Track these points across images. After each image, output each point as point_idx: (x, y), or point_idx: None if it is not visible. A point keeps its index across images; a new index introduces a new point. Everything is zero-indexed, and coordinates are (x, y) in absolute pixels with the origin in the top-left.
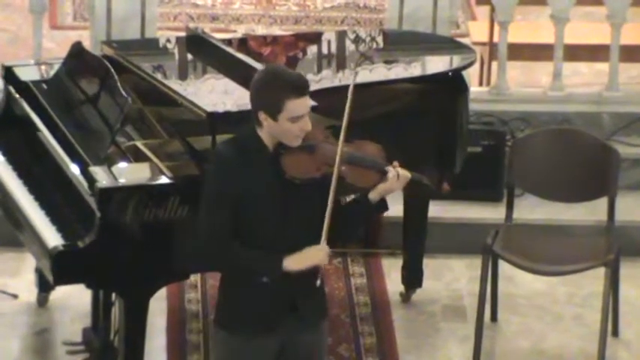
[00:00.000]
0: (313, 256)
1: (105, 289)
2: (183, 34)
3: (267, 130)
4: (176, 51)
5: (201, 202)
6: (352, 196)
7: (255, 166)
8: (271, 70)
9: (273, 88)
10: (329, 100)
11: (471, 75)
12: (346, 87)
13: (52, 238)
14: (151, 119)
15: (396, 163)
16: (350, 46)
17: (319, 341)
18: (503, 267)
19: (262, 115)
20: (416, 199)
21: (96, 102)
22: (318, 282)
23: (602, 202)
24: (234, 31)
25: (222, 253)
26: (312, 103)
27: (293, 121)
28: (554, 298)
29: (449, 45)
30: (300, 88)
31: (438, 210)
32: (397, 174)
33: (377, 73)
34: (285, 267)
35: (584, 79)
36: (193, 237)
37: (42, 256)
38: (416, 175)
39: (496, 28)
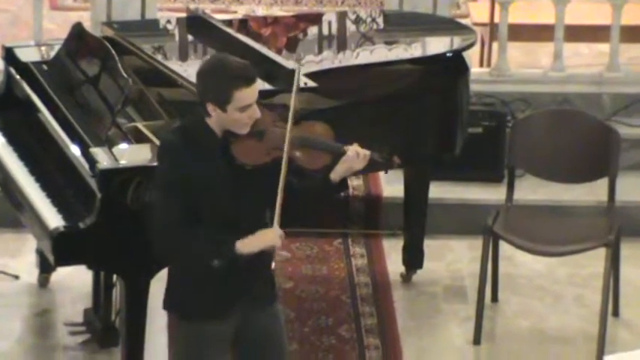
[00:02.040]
0: (265, 238)
1: (106, 270)
2: (183, 15)
3: (216, 120)
4: (176, 32)
5: (153, 192)
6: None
7: (204, 153)
8: (218, 62)
9: (221, 79)
10: (329, 82)
11: (472, 56)
12: (346, 68)
13: (53, 219)
14: (151, 100)
15: (356, 144)
16: (350, 26)
17: (274, 324)
18: (504, 248)
19: (210, 107)
20: (417, 179)
21: (96, 83)
22: (273, 265)
23: (603, 183)
24: (235, 12)
25: (174, 240)
26: (312, 84)
27: (242, 111)
28: (555, 278)
29: (449, 26)
30: (247, 78)
31: (438, 191)
32: (357, 153)
33: (377, 54)
34: (237, 250)
35: (584, 60)
36: (150, 227)
37: (43, 237)
38: (375, 153)
39: (497, 8)
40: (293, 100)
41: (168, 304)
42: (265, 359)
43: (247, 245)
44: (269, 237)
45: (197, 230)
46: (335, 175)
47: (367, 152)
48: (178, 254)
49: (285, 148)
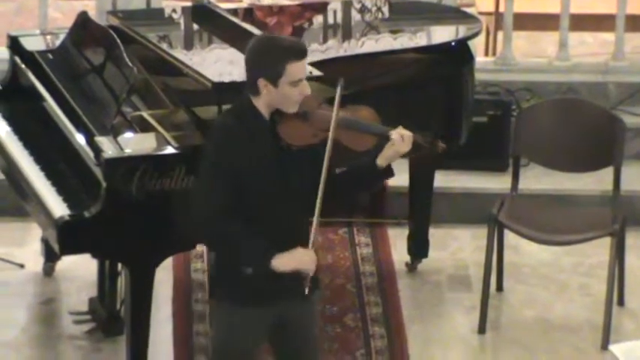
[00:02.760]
0: (301, 261)
1: (111, 259)
2: (188, 3)
3: (266, 98)
4: (182, 21)
5: (200, 174)
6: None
7: (253, 135)
8: (268, 37)
9: (273, 53)
10: (335, 70)
11: (477, 45)
12: (352, 57)
13: (58, 208)
14: (156, 89)
15: (400, 127)
16: (356, 15)
17: (311, 314)
18: (509, 237)
19: (262, 82)
20: (421, 168)
21: (102, 72)
22: (307, 290)
23: (608, 172)
24: (240, 1)
25: (213, 225)
26: (317, 73)
27: (293, 85)
28: (560, 267)
29: (454, 15)
30: (299, 51)
31: (443, 180)
32: (401, 135)
33: (382, 43)
34: (273, 264)
35: (589, 49)
36: (192, 208)
37: (48, 226)
38: (417, 135)
39: None
40: (340, 82)
41: (214, 291)
42: (299, 351)
43: (283, 263)
44: (305, 261)
45: (237, 227)
46: (382, 160)
47: (410, 134)
48: (214, 243)
49: (332, 129)
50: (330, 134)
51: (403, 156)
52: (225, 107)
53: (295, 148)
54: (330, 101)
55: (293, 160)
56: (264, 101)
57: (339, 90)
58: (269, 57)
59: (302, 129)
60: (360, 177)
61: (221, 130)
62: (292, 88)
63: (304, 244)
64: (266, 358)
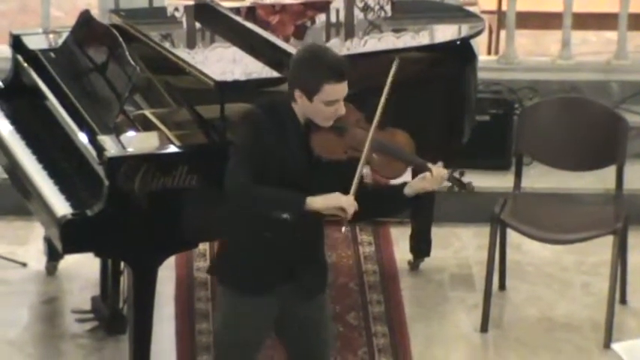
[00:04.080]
0: (337, 200)
1: (113, 257)
2: (191, 2)
3: (301, 107)
4: (184, 19)
5: (231, 157)
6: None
7: (285, 133)
8: (314, 50)
9: (313, 69)
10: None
11: (480, 44)
12: (355, 56)
13: (61, 206)
14: (159, 88)
15: (440, 163)
16: (358, 14)
17: (318, 315)
18: (511, 235)
19: (297, 93)
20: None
21: (104, 71)
22: (344, 229)
23: (611, 171)
24: (243, 0)
25: (247, 190)
26: None
27: (327, 105)
28: (563, 266)
29: (457, 13)
30: (340, 73)
31: None
32: (438, 174)
33: (385, 41)
34: (307, 204)
35: (592, 48)
36: (227, 183)
37: (51, 225)
38: (452, 175)
39: None
40: (382, 103)
41: (219, 273)
42: (306, 347)
43: (319, 201)
44: (341, 199)
45: (266, 186)
46: (410, 189)
47: (445, 173)
48: (250, 207)
49: (365, 150)
50: (364, 155)
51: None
52: (228, 106)
53: (324, 161)
54: (370, 119)
55: (320, 171)
56: (300, 108)
57: (394, 68)
58: (308, 71)
59: (334, 143)
60: (385, 201)
61: (249, 116)
62: (326, 107)
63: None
64: (271, 355)
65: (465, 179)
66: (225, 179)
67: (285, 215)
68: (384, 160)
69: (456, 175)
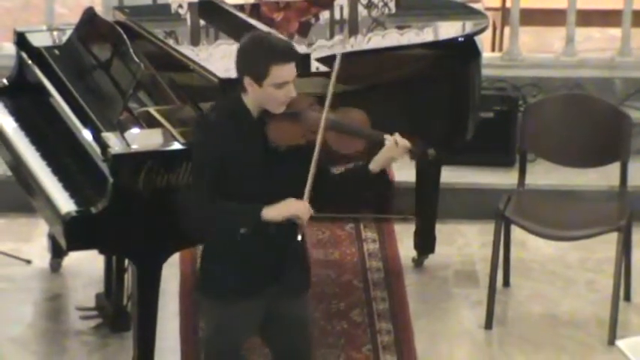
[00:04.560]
0: (291, 206)
1: (117, 254)
2: None
3: (252, 97)
4: (188, 17)
5: (192, 167)
6: (352, 165)
7: (240, 132)
8: (258, 36)
9: (260, 52)
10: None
11: (484, 40)
12: (358, 53)
13: (65, 203)
14: (163, 85)
15: (397, 134)
16: (362, 11)
17: (302, 314)
18: (516, 232)
19: (247, 80)
20: (428, 164)
21: (108, 68)
22: (299, 237)
23: (615, 168)
24: None
25: (202, 208)
26: (324, 69)
27: (278, 87)
28: (567, 263)
29: (461, 10)
30: (286, 53)
31: (450, 175)
32: (396, 142)
33: (389, 38)
34: (263, 215)
35: (596, 45)
36: (182, 200)
37: (55, 222)
38: (411, 143)
39: None
40: (331, 84)
41: (200, 288)
42: (291, 348)
43: (273, 211)
44: (295, 206)
45: (225, 202)
46: (374, 165)
47: (405, 141)
48: (207, 225)
49: (320, 130)
50: (319, 135)
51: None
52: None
53: (283, 149)
54: (322, 102)
55: (281, 160)
56: (251, 99)
57: (337, 63)
58: (255, 56)
59: (290, 129)
60: (354, 180)
61: (203, 124)
62: (277, 90)
63: (292, 239)
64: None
65: (424, 147)
66: (182, 193)
67: (242, 230)
68: (341, 138)
69: (417, 145)
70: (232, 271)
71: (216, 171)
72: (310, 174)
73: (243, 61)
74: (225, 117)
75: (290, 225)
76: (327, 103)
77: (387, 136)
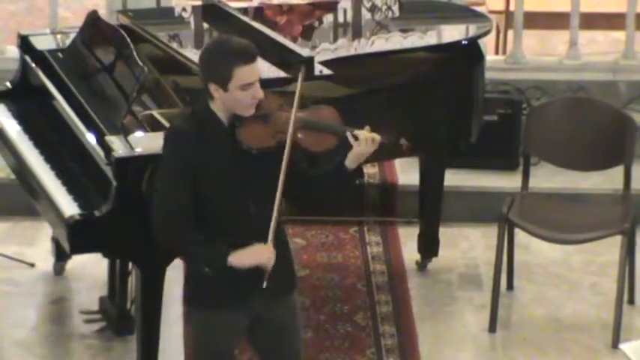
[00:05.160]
0: (258, 255)
1: (121, 258)
2: (199, 2)
3: (220, 102)
4: (192, 20)
5: (157, 179)
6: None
7: (211, 140)
8: (217, 40)
9: (221, 57)
10: (345, 70)
11: (487, 44)
12: (362, 56)
13: (69, 207)
14: (167, 88)
15: (367, 128)
16: (366, 14)
17: (290, 314)
18: (519, 235)
19: (213, 86)
20: (432, 167)
21: (112, 71)
22: (265, 284)
23: (618, 171)
24: (250, 0)
25: (172, 230)
26: (327, 72)
27: (243, 89)
28: (570, 266)
29: (465, 13)
30: (247, 54)
31: (454, 178)
32: (367, 137)
33: (393, 42)
34: (229, 262)
35: (600, 48)
36: (152, 212)
37: (58, 225)
38: (382, 136)
39: None
40: (299, 83)
41: (186, 297)
42: (279, 351)
43: (239, 259)
44: (261, 255)
45: (194, 230)
46: (349, 162)
47: (376, 135)
48: (173, 247)
49: (290, 129)
50: (289, 135)
51: (374, 159)
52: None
53: (256, 152)
54: (291, 102)
55: (255, 162)
56: (219, 105)
57: (300, 76)
58: (217, 61)
59: (261, 131)
60: (330, 179)
61: (173, 135)
62: (243, 92)
63: (280, 248)
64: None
65: (396, 137)
66: (152, 204)
67: (206, 270)
68: (312, 136)
69: (388, 136)
70: (215, 282)
71: (189, 183)
72: (275, 209)
73: (206, 67)
74: (194, 127)
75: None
76: (296, 101)
77: (358, 132)
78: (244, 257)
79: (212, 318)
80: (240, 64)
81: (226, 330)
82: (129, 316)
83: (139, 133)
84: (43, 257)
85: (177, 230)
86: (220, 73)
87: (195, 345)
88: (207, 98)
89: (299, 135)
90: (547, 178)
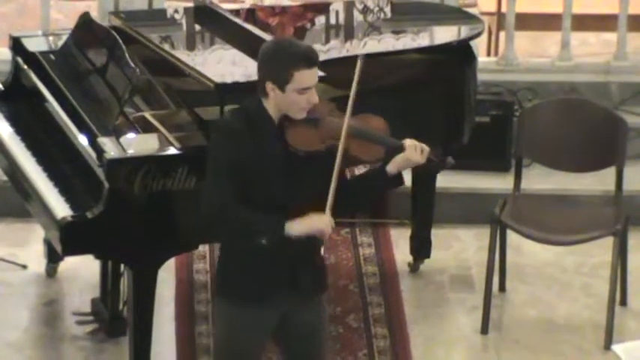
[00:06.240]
0: (315, 223)
1: (113, 259)
2: (191, 4)
3: (274, 102)
4: (184, 22)
5: (206, 171)
6: (367, 167)
7: (260, 137)
8: (281, 41)
9: (283, 58)
10: (337, 71)
11: (479, 45)
12: (354, 57)
13: (61, 208)
14: (159, 90)
15: (412, 139)
16: (358, 16)
17: (319, 316)
18: (511, 237)
19: (270, 86)
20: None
21: (104, 73)
22: (322, 251)
23: (610, 172)
24: (242, 2)
25: (224, 214)
26: (321, 73)
27: (300, 93)
28: (563, 267)
29: (457, 15)
30: (309, 59)
31: (446, 180)
32: (415, 146)
33: (385, 43)
34: (286, 230)
35: (592, 49)
36: (200, 205)
37: (51, 227)
38: (430, 149)
39: None
40: (353, 91)
41: (217, 288)
42: (306, 352)
43: (296, 227)
44: (319, 222)
45: (247, 208)
46: (392, 167)
47: (425, 147)
48: (228, 231)
49: (342, 138)
50: (341, 142)
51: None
52: (227, 108)
53: (302, 154)
54: (342, 108)
55: (301, 165)
56: (272, 104)
57: (359, 64)
58: (278, 62)
59: (310, 135)
60: (370, 183)
61: (223, 127)
62: (299, 96)
63: (309, 244)
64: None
65: (441, 156)
66: (201, 199)
67: (263, 241)
68: (362, 145)
69: (436, 152)
70: (247, 276)
71: (235, 175)
72: (332, 184)
73: (266, 66)
74: (244, 122)
75: (310, 237)
76: (349, 109)
77: (406, 140)
78: (302, 224)
79: (241, 313)
80: (302, 68)
81: (253, 327)
82: (121, 317)
83: (131, 135)
84: (36, 259)
85: (231, 216)
86: (280, 73)
87: (218, 340)
88: (260, 95)
89: (349, 143)
90: (539, 179)
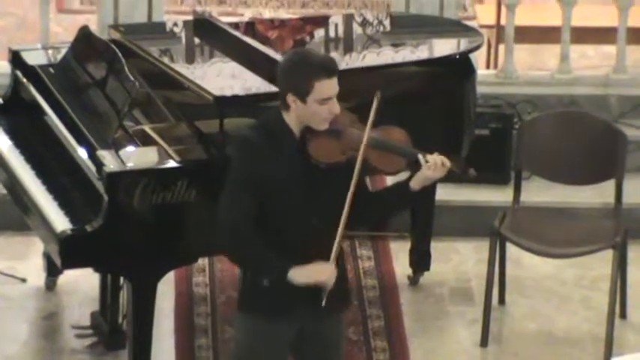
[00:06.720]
0: (319, 274)
1: (113, 272)
2: (190, 17)
3: (295, 114)
4: (183, 35)
5: (225, 185)
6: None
7: (281, 151)
8: (300, 52)
9: (303, 68)
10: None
11: (478, 58)
12: (353, 70)
13: (60, 222)
14: (158, 103)
15: (436, 153)
16: (357, 29)
17: (337, 330)
18: (511, 249)
19: (291, 98)
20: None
21: (103, 86)
22: (324, 302)
23: (610, 185)
24: (242, 15)
25: (236, 234)
26: None
27: (321, 103)
28: (562, 280)
29: (456, 28)
30: (329, 68)
31: (445, 193)
32: (437, 161)
33: (384, 56)
34: (289, 277)
35: (591, 62)
36: (217, 218)
37: (50, 240)
38: (452, 162)
39: (503, 10)
40: (375, 103)
41: (239, 301)
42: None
43: (300, 276)
44: (322, 274)
45: (257, 239)
46: (415, 183)
47: (447, 161)
48: (235, 255)
49: (361, 150)
50: (360, 153)
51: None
52: (227, 121)
53: (324, 166)
54: (363, 120)
55: (322, 177)
56: (293, 116)
57: (375, 103)
58: (298, 73)
59: (332, 146)
60: (393, 198)
61: (243, 144)
62: (320, 106)
63: (327, 259)
64: None
65: (466, 166)
66: (218, 212)
67: (264, 281)
68: (383, 157)
69: (458, 164)
70: (269, 290)
71: (256, 192)
72: (341, 225)
73: (286, 78)
74: (265, 136)
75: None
76: (370, 120)
77: (428, 156)
78: (305, 274)
79: (261, 326)
80: (322, 78)
81: (273, 341)
82: (120, 331)
83: (130, 148)
84: (35, 272)
85: (241, 239)
86: (301, 84)
87: (237, 353)
88: (280, 108)
89: (370, 154)
90: (538, 192)
